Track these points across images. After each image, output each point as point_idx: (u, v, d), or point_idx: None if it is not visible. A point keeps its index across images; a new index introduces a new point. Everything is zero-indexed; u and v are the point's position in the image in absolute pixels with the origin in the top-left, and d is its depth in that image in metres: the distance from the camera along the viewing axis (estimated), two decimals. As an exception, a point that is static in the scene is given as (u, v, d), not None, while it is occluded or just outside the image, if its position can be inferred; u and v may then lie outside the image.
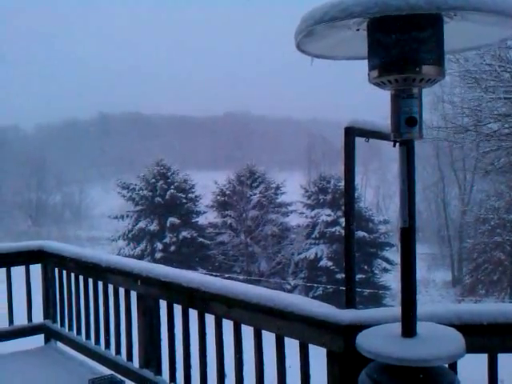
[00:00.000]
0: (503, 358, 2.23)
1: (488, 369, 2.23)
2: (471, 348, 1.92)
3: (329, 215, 26.99)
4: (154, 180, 29.30)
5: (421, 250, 29.63)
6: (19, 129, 74.76)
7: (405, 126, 1.81)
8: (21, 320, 4.73)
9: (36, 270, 4.79)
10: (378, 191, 49.44)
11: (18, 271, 4.66)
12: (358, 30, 1.86)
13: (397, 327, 1.91)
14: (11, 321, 4.66)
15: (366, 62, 1.87)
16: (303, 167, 49.22)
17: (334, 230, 26.38)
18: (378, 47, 1.78)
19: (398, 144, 1.88)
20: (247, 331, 2.82)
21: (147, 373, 3.59)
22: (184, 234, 27.95)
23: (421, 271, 27.25)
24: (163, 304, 3.47)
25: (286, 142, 67.77)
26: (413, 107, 1.81)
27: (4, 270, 4.62)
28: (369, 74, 1.85)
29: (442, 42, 1.78)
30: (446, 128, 12.61)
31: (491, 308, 2.27)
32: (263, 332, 2.74)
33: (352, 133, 2.49)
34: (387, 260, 27.67)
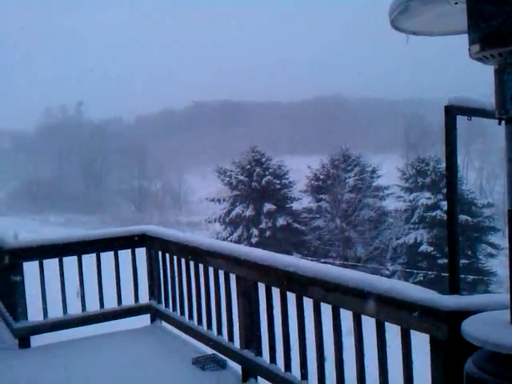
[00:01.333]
0: None
1: None
2: None
3: (429, 198, 26.07)
4: (249, 166, 29.75)
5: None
6: (122, 120, 78.95)
7: (511, 102, 1.71)
8: (128, 301, 5.01)
9: (141, 253, 5.05)
10: (481, 173, 47.01)
11: (125, 254, 4.93)
12: (456, 3, 1.77)
13: (505, 314, 1.82)
14: (119, 301, 4.96)
15: (465, 37, 1.78)
16: (399, 149, 47.81)
17: (434, 214, 25.47)
18: (480, 19, 1.69)
19: (503, 122, 1.78)
20: (346, 316, 2.81)
21: (248, 353, 3.68)
22: (280, 220, 28.20)
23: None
24: (262, 287, 3.54)
25: (380, 124, 66.06)
26: (519, 82, 1.70)
27: (112, 253, 4.91)
28: (469, 49, 1.76)
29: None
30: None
31: None
32: (363, 317, 2.71)
33: (453, 111, 2.37)
34: (492, 245, 26.31)
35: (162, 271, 4.87)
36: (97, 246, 4.88)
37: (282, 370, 3.38)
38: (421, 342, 2.46)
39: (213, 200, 31.30)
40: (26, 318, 4.57)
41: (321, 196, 28.82)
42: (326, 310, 2.94)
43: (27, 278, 4.54)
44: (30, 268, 4.52)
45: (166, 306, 4.85)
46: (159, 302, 4.96)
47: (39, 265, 4.63)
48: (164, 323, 4.93)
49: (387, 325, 2.58)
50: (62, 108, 77.95)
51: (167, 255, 4.76)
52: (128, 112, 75.53)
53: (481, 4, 1.67)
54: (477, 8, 1.69)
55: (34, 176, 63.48)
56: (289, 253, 25.20)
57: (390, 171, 30.10)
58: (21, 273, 4.54)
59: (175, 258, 4.63)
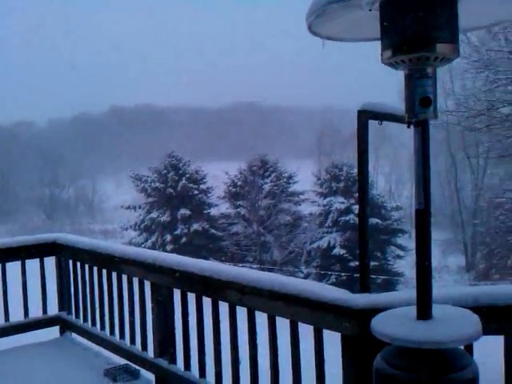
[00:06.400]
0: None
1: (504, 351, 2.21)
2: (487, 330, 1.90)
3: (342, 203, 26.91)
4: (165, 171, 29.39)
5: (434, 235, 29.22)
6: (32, 124, 75.29)
7: (419, 106, 1.78)
8: (36, 312, 4.77)
9: (50, 262, 4.82)
10: (390, 177, 49.17)
11: (33, 264, 4.68)
12: (370, 10, 1.83)
13: (412, 310, 1.89)
14: (26, 313, 4.70)
15: (378, 44, 1.83)
16: (315, 156, 49.02)
17: (347, 218, 26.31)
18: (391, 26, 1.75)
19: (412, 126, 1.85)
20: (261, 318, 2.81)
21: (162, 362, 3.60)
22: (195, 226, 28.05)
23: (435, 257, 27.04)
24: (177, 293, 3.48)
25: (298, 131, 67.49)
26: (427, 87, 1.78)
27: (19, 263, 4.65)
28: (382, 55, 1.82)
29: (456, 20, 1.75)
30: (457, 112, 12.47)
31: (507, 290, 2.24)
32: (278, 318, 2.73)
33: (365, 115, 2.46)
34: (400, 246, 27.59)
35: (72, 280, 4.67)
36: (1, 255, 4.59)
37: (197, 376, 3.34)
38: (335, 340, 2.51)
39: (128, 207, 30.61)
40: None
41: (238, 202, 28.99)
42: (243, 313, 2.93)
43: None
44: None
45: (77, 316, 4.65)
46: (69, 312, 4.75)
47: None
48: (74, 335, 4.73)
49: (303, 324, 2.61)
50: (-34, 112, 73.17)
51: (78, 264, 4.58)
52: (40, 116, 72.29)
53: (392, 12, 1.74)
54: (388, 15, 1.75)
55: None
56: (206, 258, 25.03)
57: (305, 177, 30.79)
58: None
59: (87, 266, 4.46)
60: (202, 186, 30.37)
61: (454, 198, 35.67)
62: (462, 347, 2.02)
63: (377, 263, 24.97)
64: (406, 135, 1.89)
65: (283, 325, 2.66)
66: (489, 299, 2.16)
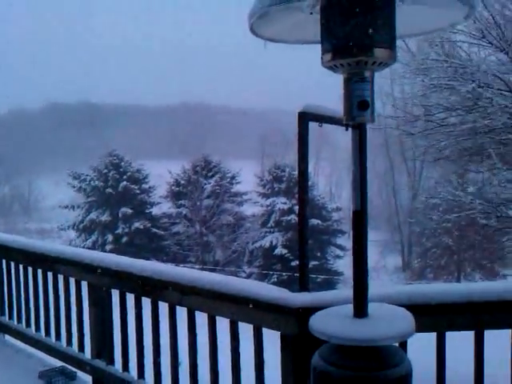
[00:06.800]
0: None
1: (436, 347, 2.29)
2: (421, 327, 1.96)
3: (284, 203, 27.18)
4: (106, 170, 28.73)
5: (372, 236, 30.12)
6: (-36, 119, 71.90)
7: (357, 110, 1.82)
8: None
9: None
10: (330, 179, 50.11)
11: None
12: (311, 13, 1.85)
13: (349, 309, 1.92)
14: (-45, 315, 4.49)
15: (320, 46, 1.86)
16: (258, 157, 49.31)
17: (289, 218, 26.59)
18: (331, 30, 1.78)
19: (350, 128, 1.89)
20: (202, 317, 2.80)
21: (99, 363, 3.52)
22: (137, 224, 27.60)
23: (373, 257, 27.87)
24: (115, 293, 3.41)
25: (242, 132, 67.69)
26: (365, 91, 1.81)
27: None
28: (322, 58, 1.84)
29: (394, 26, 1.80)
30: (396, 117, 12.84)
31: (439, 288, 2.33)
32: (218, 318, 2.72)
33: (306, 118, 2.49)
34: (340, 247, 28.15)
35: (5, 281, 4.49)
36: None
37: (135, 377, 3.28)
38: (275, 339, 2.52)
39: (66, 207, 29.70)
40: None
41: (181, 202, 28.74)
42: (183, 313, 2.91)
43: None
44: None
45: (10, 317, 4.48)
46: (2, 314, 4.57)
47: None
48: (7, 337, 4.55)
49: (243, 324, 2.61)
50: None
51: (12, 264, 4.41)
52: (-29, 111, 69.06)
53: (332, 16, 1.76)
54: (328, 19, 1.77)
55: None
56: (147, 258, 24.61)
57: (248, 178, 30.91)
58: None
59: (21, 266, 4.30)
60: (144, 186, 29.92)
61: (392, 200, 36.79)
62: (397, 344, 2.08)
63: (317, 263, 25.39)
64: (345, 138, 1.93)
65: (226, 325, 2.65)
66: (422, 298, 2.24)
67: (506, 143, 10.21)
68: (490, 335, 2.31)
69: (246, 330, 2.62)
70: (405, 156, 32.12)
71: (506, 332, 2.27)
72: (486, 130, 9.98)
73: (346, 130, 1.93)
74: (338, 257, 27.83)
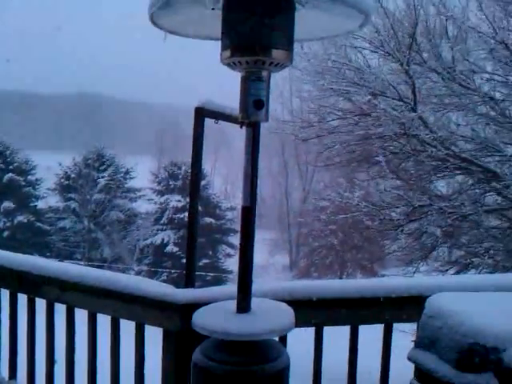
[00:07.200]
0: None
1: (315, 341, 2.38)
2: (301, 322, 2.02)
3: (179, 201, 26.96)
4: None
5: (264, 235, 30.87)
6: None
7: (252, 108, 1.84)
8: None
9: None
10: (226, 179, 50.46)
11: None
12: (213, 9, 1.85)
13: (232, 304, 1.94)
14: None
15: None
16: (155, 153, 48.48)
17: (182, 216, 26.41)
18: (231, 28, 1.79)
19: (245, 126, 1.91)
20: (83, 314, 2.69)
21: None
22: (20, 218, 26.04)
23: (262, 255, 28.47)
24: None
25: (139, 127, 66.12)
26: (261, 90, 1.84)
27: None
28: (221, 55, 1.85)
29: (292, 28, 1.84)
30: (292, 122, 13.18)
31: (319, 284, 2.42)
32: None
33: (202, 113, 2.48)
34: (231, 245, 28.45)
35: None
36: None
37: (6, 378, 3.08)
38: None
39: None
40: None
41: (70, 195, 27.53)
42: (61, 309, 2.77)
43: None
44: None
45: None
46: None
47: None
48: None
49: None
50: None
51: None
52: None
53: (233, 14, 1.77)
54: (229, 17, 1.78)
55: None
56: (30, 254, 23.38)
57: (144, 174, 30.30)
58: None
59: None
60: (31, 177, 28.30)
61: (284, 201, 37.83)
62: (277, 339, 2.13)
63: (208, 261, 25.50)
64: (243, 139, 1.95)
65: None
66: (303, 293, 2.31)
67: (394, 152, 10.83)
68: (365, 329, 2.44)
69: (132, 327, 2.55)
70: (298, 159, 33.18)
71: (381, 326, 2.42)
72: (377, 138, 10.52)
73: (241, 127, 1.95)
74: (229, 255, 28.10)
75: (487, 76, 10.07)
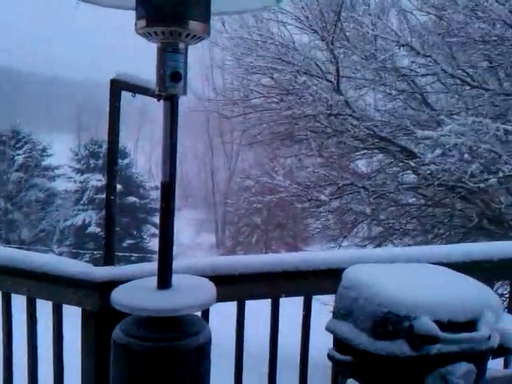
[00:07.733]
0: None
1: (237, 315, 2.40)
2: (224, 296, 2.03)
3: (99, 180, 26.18)
4: None
5: (189, 215, 30.77)
6: None
7: (169, 81, 1.81)
8: None
9: None
10: (150, 158, 49.60)
11: None
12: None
13: (153, 281, 1.92)
14: None
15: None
16: (74, 130, 46.74)
17: (104, 196, 25.51)
18: (147, -3, 1.74)
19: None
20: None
21: None
22: None
23: (188, 235, 28.39)
24: None
25: (56, 103, 63.27)
26: (178, 62, 1.81)
27: None
28: (136, 24, 1.80)
29: (209, 0, 1.81)
30: (216, 100, 13.08)
31: (242, 259, 2.44)
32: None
33: (118, 85, 2.39)
34: (156, 225, 28.06)
35: None
36: None
37: None
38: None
39: None
40: None
41: (-17, 175, 26.09)
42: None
43: None
44: None
45: None
46: None
47: None
48: None
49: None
50: None
51: None
52: None
53: (147, -19, 1.72)
54: (145, -16, 1.72)
55: None
56: None
57: (62, 151, 29.12)
58: None
59: None
60: None
61: (210, 180, 37.75)
62: (200, 314, 2.14)
63: (133, 241, 25.08)
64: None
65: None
66: (226, 268, 2.32)
67: (316, 131, 11.03)
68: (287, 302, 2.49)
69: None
70: (223, 138, 33.11)
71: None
72: (301, 117, 10.63)
73: (158, 101, 1.91)
74: (154, 235, 27.74)
75: (405, 53, 10.33)
